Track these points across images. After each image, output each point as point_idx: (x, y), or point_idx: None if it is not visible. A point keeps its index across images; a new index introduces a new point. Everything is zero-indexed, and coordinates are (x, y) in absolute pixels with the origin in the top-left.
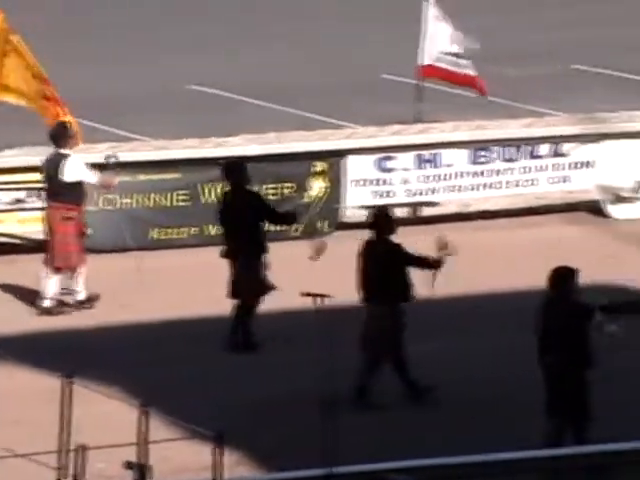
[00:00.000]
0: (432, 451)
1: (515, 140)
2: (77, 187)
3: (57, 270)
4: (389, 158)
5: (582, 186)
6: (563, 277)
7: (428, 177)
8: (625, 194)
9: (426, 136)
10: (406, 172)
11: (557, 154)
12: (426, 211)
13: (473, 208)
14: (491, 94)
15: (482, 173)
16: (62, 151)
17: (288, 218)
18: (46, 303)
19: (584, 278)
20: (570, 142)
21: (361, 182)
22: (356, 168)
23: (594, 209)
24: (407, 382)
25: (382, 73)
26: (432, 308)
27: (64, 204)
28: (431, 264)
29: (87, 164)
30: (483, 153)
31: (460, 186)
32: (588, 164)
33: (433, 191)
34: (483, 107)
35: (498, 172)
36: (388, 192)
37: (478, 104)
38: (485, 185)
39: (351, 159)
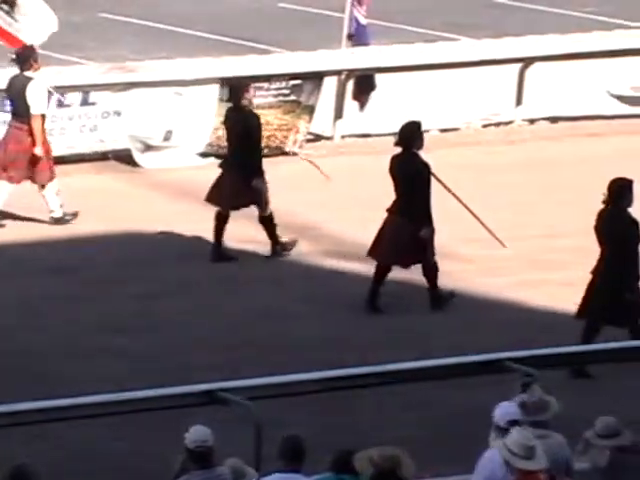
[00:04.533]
0: None
1: None
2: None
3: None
4: None
5: (112, 135)
6: None
7: None
8: (154, 143)
9: None
10: None
11: (86, 103)
12: None
13: None
14: None
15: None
16: (26, 74)
17: None
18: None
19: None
20: (99, 91)
21: None
22: None
23: (125, 158)
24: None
25: None
26: None
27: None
28: None
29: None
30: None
31: None
32: (118, 113)
33: None
34: None
35: None
36: None
37: None
38: None
39: None
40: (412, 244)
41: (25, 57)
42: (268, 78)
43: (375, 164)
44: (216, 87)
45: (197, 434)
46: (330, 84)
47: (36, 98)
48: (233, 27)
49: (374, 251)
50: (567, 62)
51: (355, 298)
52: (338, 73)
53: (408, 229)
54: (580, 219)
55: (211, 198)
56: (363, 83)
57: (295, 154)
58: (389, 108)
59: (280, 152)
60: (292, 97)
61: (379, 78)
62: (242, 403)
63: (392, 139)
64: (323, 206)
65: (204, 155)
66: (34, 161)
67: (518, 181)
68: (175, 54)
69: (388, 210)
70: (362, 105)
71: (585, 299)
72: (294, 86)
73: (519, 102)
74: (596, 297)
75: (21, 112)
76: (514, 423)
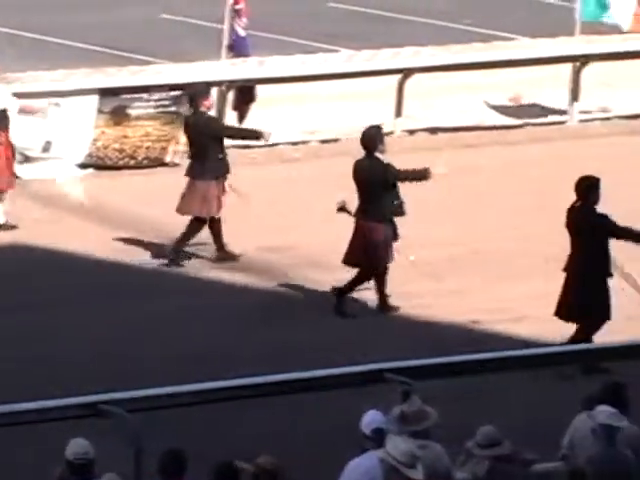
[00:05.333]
0: None
1: None
2: (2, 114)
3: None
4: None
5: None
6: None
7: None
8: (33, 154)
9: None
10: None
11: None
12: None
13: None
14: None
15: None
16: None
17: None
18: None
19: None
20: None
21: None
22: None
23: None
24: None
25: None
26: None
27: None
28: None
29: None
30: None
31: None
32: None
33: None
34: None
35: None
36: None
37: None
38: None
39: None
40: (379, 245)
41: None
42: (147, 89)
43: (255, 175)
44: (95, 98)
45: (77, 446)
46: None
47: None
48: (114, 38)
49: (348, 258)
50: (446, 73)
51: (231, 309)
52: (219, 84)
53: (372, 231)
54: (465, 229)
55: (182, 208)
56: (243, 94)
57: (175, 165)
58: (269, 119)
59: (159, 163)
60: (172, 108)
61: (259, 89)
62: (122, 415)
63: (272, 150)
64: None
65: (83, 166)
66: None
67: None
68: (56, 66)
69: (355, 215)
70: (242, 116)
71: (562, 297)
72: (174, 97)
73: (398, 113)
74: (572, 295)
75: None
76: (379, 431)
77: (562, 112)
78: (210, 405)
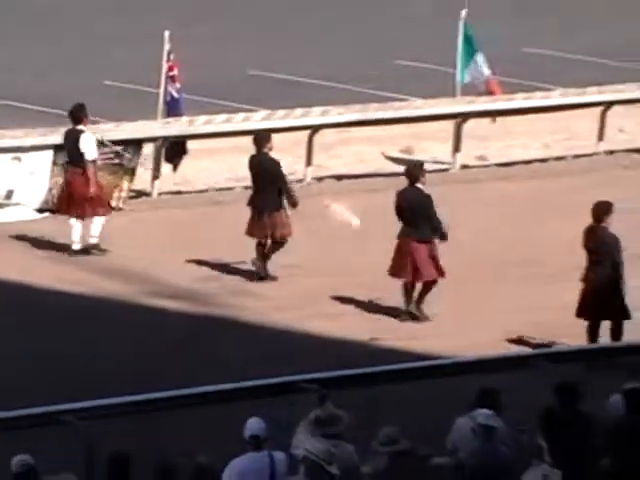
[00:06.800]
0: None
1: None
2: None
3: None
4: None
5: None
6: None
7: None
8: None
9: None
10: None
11: None
12: None
13: None
14: None
15: None
16: (78, 127)
17: None
18: (75, 246)
19: None
20: None
21: None
22: None
23: None
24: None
25: None
26: None
27: (81, 168)
28: None
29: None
30: None
31: None
32: None
33: None
34: None
35: None
36: None
37: None
38: None
39: None
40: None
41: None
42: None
43: (185, 216)
44: (50, 153)
45: (17, 459)
46: (148, 149)
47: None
48: (65, 102)
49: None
50: (349, 129)
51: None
52: (154, 140)
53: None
54: (364, 260)
55: (251, 232)
56: (176, 148)
57: (120, 209)
58: (198, 169)
59: None
60: (116, 161)
61: (190, 143)
62: (73, 424)
63: (201, 195)
64: (146, 251)
65: (40, 211)
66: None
67: (312, 228)
68: (15, 125)
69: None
70: (175, 166)
71: (582, 301)
72: (118, 151)
73: (309, 163)
74: (591, 299)
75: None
76: (255, 438)
77: (446, 162)
78: (151, 413)
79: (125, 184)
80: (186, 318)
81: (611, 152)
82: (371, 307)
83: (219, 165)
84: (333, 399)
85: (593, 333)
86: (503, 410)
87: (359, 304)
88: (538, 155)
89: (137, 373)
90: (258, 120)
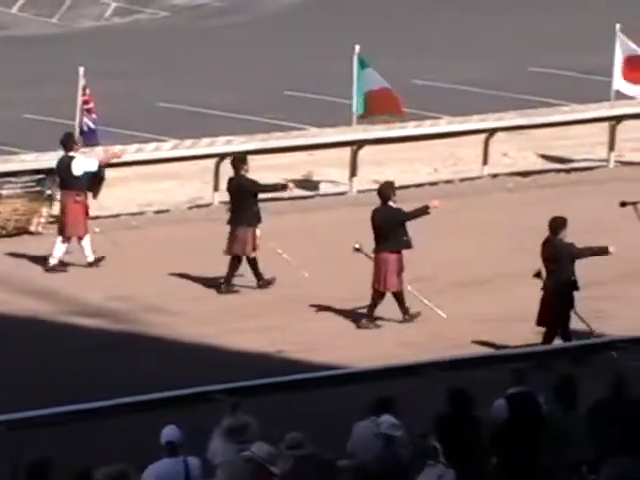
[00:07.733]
0: None
1: None
2: (82, 178)
3: (67, 239)
4: None
5: None
6: None
7: None
8: None
9: None
10: None
11: None
12: None
13: None
14: None
15: None
16: (70, 154)
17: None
18: (52, 262)
19: None
20: None
21: None
22: None
23: None
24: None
25: None
26: None
27: (74, 191)
28: None
29: (87, 159)
30: None
31: None
32: None
33: None
34: None
35: None
36: None
37: None
38: None
39: None
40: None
41: (67, 142)
42: (15, 174)
43: (100, 239)
44: None
45: None
46: None
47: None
48: None
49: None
50: (252, 156)
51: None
52: None
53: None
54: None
55: (229, 250)
56: (94, 175)
57: (39, 233)
58: (113, 195)
59: (25, 231)
60: (36, 188)
61: (106, 171)
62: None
63: (122, 220)
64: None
65: None
66: None
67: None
68: None
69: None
70: (95, 193)
71: (541, 309)
72: (37, 179)
73: (216, 188)
74: (549, 309)
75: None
76: (171, 444)
77: (343, 185)
78: (73, 424)
79: (44, 210)
80: (100, 334)
81: (495, 175)
82: (279, 322)
83: (132, 191)
84: (243, 408)
85: (549, 339)
86: (400, 415)
87: (268, 319)
88: (429, 179)
89: (54, 387)
90: (167, 149)
